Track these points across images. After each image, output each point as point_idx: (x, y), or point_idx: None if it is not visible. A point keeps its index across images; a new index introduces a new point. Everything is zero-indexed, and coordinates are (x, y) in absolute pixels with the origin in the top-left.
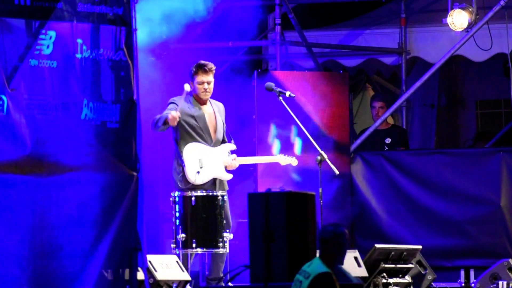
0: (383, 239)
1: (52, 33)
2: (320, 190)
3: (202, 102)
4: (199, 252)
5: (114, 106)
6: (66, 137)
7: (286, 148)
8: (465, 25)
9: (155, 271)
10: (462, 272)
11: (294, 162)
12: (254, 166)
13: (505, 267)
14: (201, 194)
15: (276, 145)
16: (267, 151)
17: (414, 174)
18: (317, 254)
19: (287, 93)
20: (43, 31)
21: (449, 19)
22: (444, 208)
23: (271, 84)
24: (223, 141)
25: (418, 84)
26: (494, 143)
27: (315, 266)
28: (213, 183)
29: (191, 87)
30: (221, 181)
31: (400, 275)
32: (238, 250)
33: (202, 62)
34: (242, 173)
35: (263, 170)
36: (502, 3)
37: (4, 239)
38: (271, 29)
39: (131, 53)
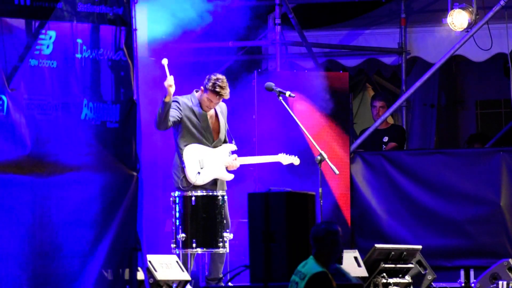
0: (383, 239)
1: (52, 33)
2: (320, 190)
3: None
4: (199, 252)
5: (114, 106)
6: (66, 137)
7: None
8: (465, 25)
9: (155, 271)
10: (462, 272)
11: (296, 161)
12: (254, 166)
13: (505, 267)
14: (201, 194)
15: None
16: (267, 151)
17: (414, 174)
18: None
19: (287, 93)
20: (43, 31)
21: (449, 19)
22: (444, 208)
23: (271, 84)
24: (224, 142)
25: (418, 84)
26: (494, 143)
27: (310, 266)
28: (214, 183)
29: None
30: (221, 182)
31: (400, 275)
32: (238, 250)
33: (220, 89)
34: (242, 173)
35: (263, 170)
36: (502, 3)
37: (4, 239)
38: (271, 29)
39: (131, 53)
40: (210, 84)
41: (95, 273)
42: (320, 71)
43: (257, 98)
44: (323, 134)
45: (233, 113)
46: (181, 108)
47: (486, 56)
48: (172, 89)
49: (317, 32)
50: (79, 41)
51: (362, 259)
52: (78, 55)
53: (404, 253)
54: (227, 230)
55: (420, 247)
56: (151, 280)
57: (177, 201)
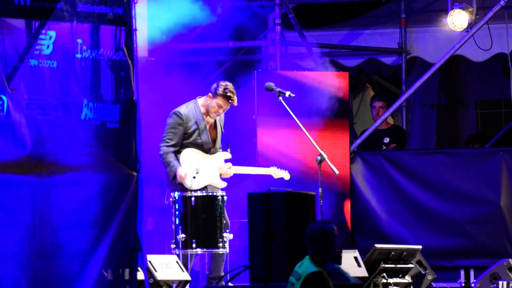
0: (383, 239)
1: (52, 33)
2: (320, 190)
3: (208, 115)
4: (199, 252)
5: (114, 106)
6: (66, 137)
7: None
8: (465, 25)
9: (155, 271)
10: (462, 272)
11: (286, 176)
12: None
13: (505, 267)
14: (201, 194)
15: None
16: (266, 151)
17: (414, 174)
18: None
19: (287, 93)
20: (43, 31)
21: (449, 19)
22: (444, 208)
23: (271, 84)
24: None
25: (418, 84)
26: (494, 143)
27: (305, 266)
28: (205, 190)
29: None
30: (213, 188)
31: (400, 275)
32: (238, 250)
33: (231, 94)
34: (242, 173)
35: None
36: (502, 3)
37: (4, 239)
38: (271, 29)
39: (131, 53)
40: (221, 89)
41: (95, 273)
42: (320, 71)
43: (257, 98)
44: (323, 134)
45: (233, 113)
46: (183, 125)
47: (486, 56)
48: (182, 180)
49: (317, 32)
50: (79, 41)
51: (362, 259)
52: (78, 55)
53: (404, 253)
54: (227, 230)
55: (420, 247)
56: (151, 280)
57: (177, 201)
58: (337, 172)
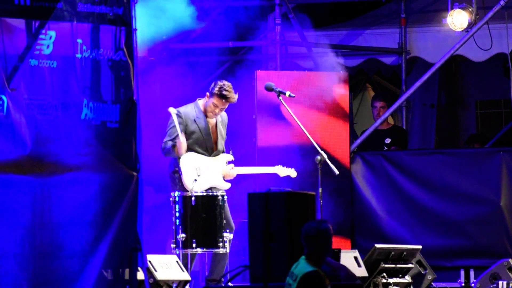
0: (383, 239)
1: (52, 33)
2: (320, 190)
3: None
4: (199, 252)
5: (114, 106)
6: (66, 137)
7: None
8: (465, 25)
9: (155, 271)
10: (462, 272)
11: (293, 173)
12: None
13: (505, 267)
14: (201, 194)
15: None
16: (267, 151)
17: (414, 174)
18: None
19: (287, 93)
20: (43, 31)
21: (449, 19)
22: (444, 208)
23: (271, 84)
24: (222, 151)
25: (418, 84)
26: (494, 143)
27: (301, 266)
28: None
29: (204, 99)
30: (216, 190)
31: (400, 275)
32: (238, 250)
33: (227, 92)
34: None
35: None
36: (502, 3)
37: (4, 239)
38: (271, 29)
39: (131, 53)
40: (217, 88)
41: (95, 273)
42: (320, 71)
43: (257, 98)
44: (323, 134)
45: (233, 113)
46: (183, 123)
47: (486, 56)
48: (181, 146)
49: (317, 32)
50: (79, 41)
51: (362, 259)
52: (78, 55)
53: (404, 253)
54: (227, 230)
55: (420, 247)
56: (151, 280)
57: (177, 201)
58: (337, 172)
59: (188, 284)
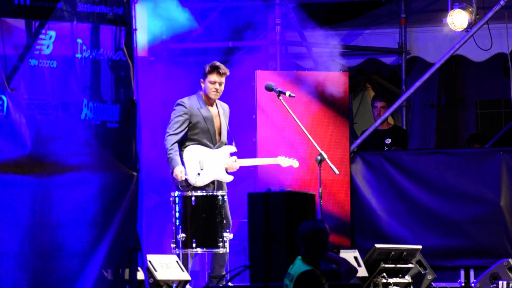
0: (383, 239)
1: (52, 33)
2: (320, 190)
3: (211, 103)
4: (199, 252)
5: (114, 106)
6: (66, 137)
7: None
8: (465, 25)
9: (155, 271)
10: (462, 272)
11: (295, 163)
12: (254, 166)
13: (505, 267)
14: (201, 194)
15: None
16: (267, 151)
17: (414, 174)
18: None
19: (287, 93)
20: (43, 31)
21: (449, 19)
22: (444, 208)
23: (271, 84)
24: (225, 143)
25: (418, 84)
26: (494, 143)
27: (297, 267)
28: (212, 184)
29: (202, 85)
30: (219, 183)
31: (400, 275)
32: (238, 250)
33: (217, 63)
34: (242, 173)
35: (263, 170)
36: (502, 3)
37: (4, 239)
38: (271, 29)
39: (131, 53)
40: (207, 67)
41: (95, 273)
42: (320, 71)
43: (257, 98)
44: (323, 134)
45: (233, 113)
46: (188, 113)
47: (486, 56)
48: (179, 178)
49: (317, 32)
50: (79, 41)
51: (362, 259)
52: (78, 55)
53: (404, 253)
54: (227, 230)
55: (420, 247)
56: (151, 280)
57: (177, 201)
58: (337, 172)
59: (188, 284)
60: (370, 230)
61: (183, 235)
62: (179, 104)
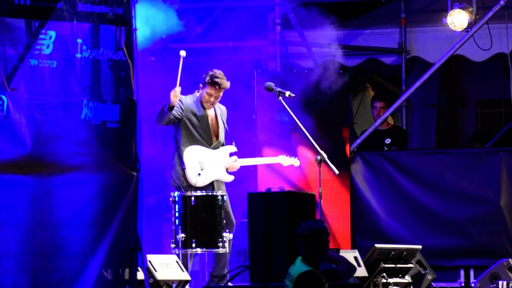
0: (383, 239)
1: (52, 33)
2: (320, 190)
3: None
4: (199, 252)
5: (114, 106)
6: (66, 137)
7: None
8: (465, 25)
9: (155, 271)
10: (462, 272)
11: (296, 162)
12: (254, 166)
13: (505, 267)
14: (201, 194)
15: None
16: (267, 151)
17: (414, 174)
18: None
19: (287, 93)
20: (43, 31)
21: (449, 19)
22: (444, 208)
23: (270, 84)
24: (223, 144)
25: (418, 84)
26: (494, 143)
27: (297, 267)
28: (210, 185)
29: (199, 89)
30: (218, 183)
31: (400, 275)
32: (238, 250)
33: (218, 79)
34: (242, 173)
35: (264, 170)
36: (502, 3)
37: (4, 239)
38: (271, 29)
39: (131, 53)
40: (208, 78)
41: (95, 273)
42: (320, 71)
43: (257, 98)
44: (322, 134)
45: (233, 113)
46: (183, 108)
47: (486, 56)
48: (174, 99)
49: (317, 32)
50: (79, 41)
51: (362, 259)
52: (78, 55)
53: (404, 253)
54: (227, 230)
55: (420, 247)
56: (151, 280)
57: (176, 201)
58: (337, 172)
59: (188, 284)
60: (370, 230)
61: (183, 235)
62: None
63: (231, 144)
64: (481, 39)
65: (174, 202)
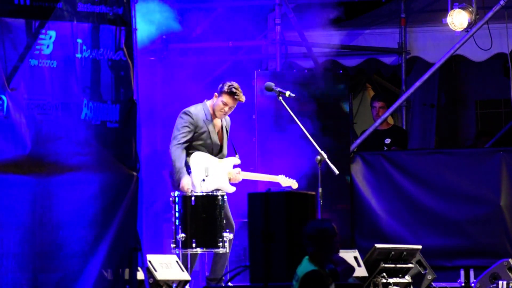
0: (383, 239)
1: (52, 33)
2: (320, 190)
3: (215, 116)
4: (199, 252)
5: (114, 106)
6: (66, 137)
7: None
8: (465, 25)
9: (155, 271)
10: (462, 272)
11: (294, 185)
12: (254, 165)
13: (505, 267)
14: (201, 194)
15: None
16: (267, 151)
17: (414, 174)
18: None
19: (287, 93)
20: (43, 31)
21: (449, 19)
22: (444, 208)
23: (271, 84)
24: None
25: (418, 84)
26: (494, 143)
27: (303, 267)
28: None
29: (212, 100)
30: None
31: (400, 275)
32: (238, 250)
33: (236, 90)
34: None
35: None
36: (502, 3)
37: (4, 239)
38: (271, 29)
39: (131, 53)
40: (226, 87)
41: (95, 273)
42: (320, 71)
43: (257, 98)
44: (323, 134)
45: (233, 113)
46: (194, 124)
47: (486, 56)
48: (186, 190)
49: (317, 32)
50: (79, 41)
51: (362, 259)
52: (78, 55)
53: (404, 253)
54: (227, 230)
55: (420, 247)
56: (151, 280)
57: (176, 201)
58: (337, 172)
59: (188, 284)
60: (370, 230)
61: (183, 235)
62: (186, 114)
63: (234, 156)
64: (481, 39)
65: (174, 202)
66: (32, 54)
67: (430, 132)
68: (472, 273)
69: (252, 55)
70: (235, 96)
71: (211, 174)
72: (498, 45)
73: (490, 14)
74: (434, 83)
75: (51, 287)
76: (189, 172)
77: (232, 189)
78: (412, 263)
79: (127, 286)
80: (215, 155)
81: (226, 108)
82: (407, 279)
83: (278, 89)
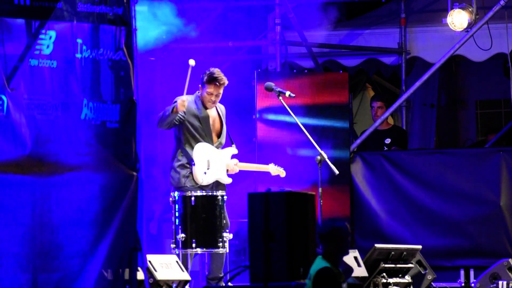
0: (383, 239)
1: (52, 33)
2: (320, 190)
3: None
4: (199, 252)
5: (114, 106)
6: (66, 137)
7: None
8: (465, 25)
9: (155, 271)
10: (462, 272)
11: (282, 173)
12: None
13: (505, 267)
14: (201, 194)
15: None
16: (267, 151)
17: (414, 174)
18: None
19: (287, 93)
20: (43, 31)
21: (449, 19)
22: (444, 208)
23: (271, 84)
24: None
25: (418, 84)
26: (494, 143)
27: (316, 265)
28: (211, 184)
29: (199, 91)
30: (218, 183)
31: (400, 275)
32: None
33: (216, 75)
34: (242, 173)
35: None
36: (502, 3)
37: (4, 239)
38: (271, 29)
39: (131, 53)
40: (206, 77)
41: (95, 273)
42: (320, 71)
43: (257, 98)
44: (322, 134)
45: (233, 113)
46: (185, 110)
47: (486, 56)
48: (181, 108)
49: (317, 32)
50: (79, 41)
51: (362, 259)
52: (78, 55)
53: (404, 253)
54: (227, 230)
55: (420, 247)
56: (151, 280)
57: (176, 201)
58: (337, 172)
59: (188, 284)
60: (370, 230)
61: (183, 235)
62: (177, 97)
63: (231, 145)
64: (481, 39)
65: (174, 202)
66: (32, 54)
67: (430, 132)
68: (472, 273)
69: (252, 55)
70: (217, 83)
71: (212, 166)
72: (498, 45)
73: (490, 14)
74: (434, 83)
75: (51, 287)
76: (191, 165)
77: (229, 180)
78: (412, 263)
79: (127, 286)
80: (212, 144)
81: (213, 97)
82: (407, 279)
83: (278, 89)
